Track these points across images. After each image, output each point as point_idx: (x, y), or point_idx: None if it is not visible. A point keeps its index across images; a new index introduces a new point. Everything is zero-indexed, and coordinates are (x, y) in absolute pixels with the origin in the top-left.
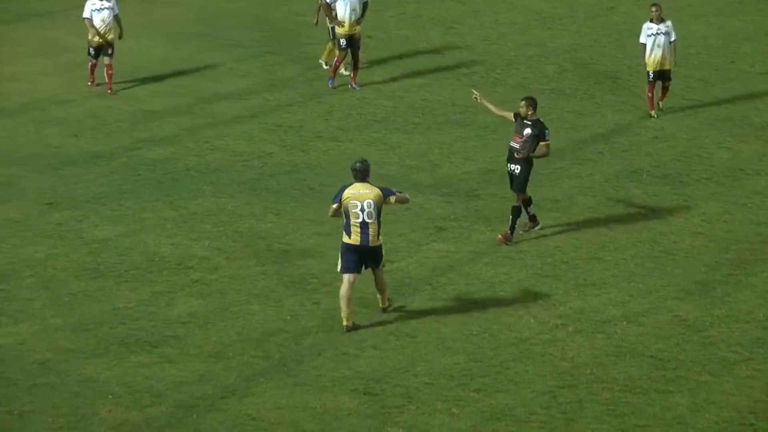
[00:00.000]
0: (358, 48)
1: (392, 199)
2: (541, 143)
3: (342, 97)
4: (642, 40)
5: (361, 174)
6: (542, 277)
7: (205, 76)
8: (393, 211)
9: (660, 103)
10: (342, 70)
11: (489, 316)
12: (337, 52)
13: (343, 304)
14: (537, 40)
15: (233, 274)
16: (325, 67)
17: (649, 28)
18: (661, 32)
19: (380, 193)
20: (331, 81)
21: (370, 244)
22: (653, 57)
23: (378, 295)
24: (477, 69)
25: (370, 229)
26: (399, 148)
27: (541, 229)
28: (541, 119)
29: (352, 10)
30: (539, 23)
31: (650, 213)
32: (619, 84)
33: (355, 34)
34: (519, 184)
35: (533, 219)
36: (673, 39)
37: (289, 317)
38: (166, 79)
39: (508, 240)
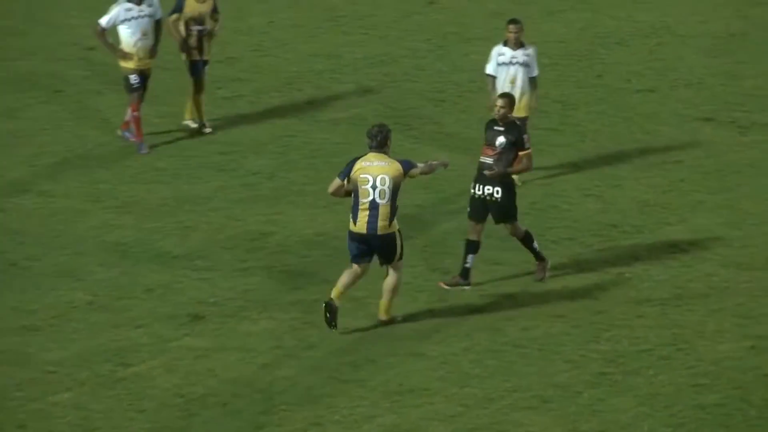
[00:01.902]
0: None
1: (416, 171)
2: (520, 153)
3: (55, 134)
4: (489, 69)
5: (378, 141)
6: (340, 382)
7: None
8: (130, 294)
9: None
10: (188, 120)
11: None
12: (129, 95)
13: (339, 282)
14: (329, 50)
15: None
16: (192, 125)
17: (500, 54)
18: (518, 62)
19: (400, 167)
20: (141, 147)
21: (379, 232)
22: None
23: (381, 300)
24: (243, 91)
25: (380, 212)
26: (136, 204)
27: (469, 288)
28: (517, 121)
29: (143, 34)
30: (332, 25)
31: (490, 288)
32: (442, 110)
33: (147, 69)
34: (506, 211)
35: (466, 274)
36: (534, 74)
37: None
38: None
39: (543, 272)
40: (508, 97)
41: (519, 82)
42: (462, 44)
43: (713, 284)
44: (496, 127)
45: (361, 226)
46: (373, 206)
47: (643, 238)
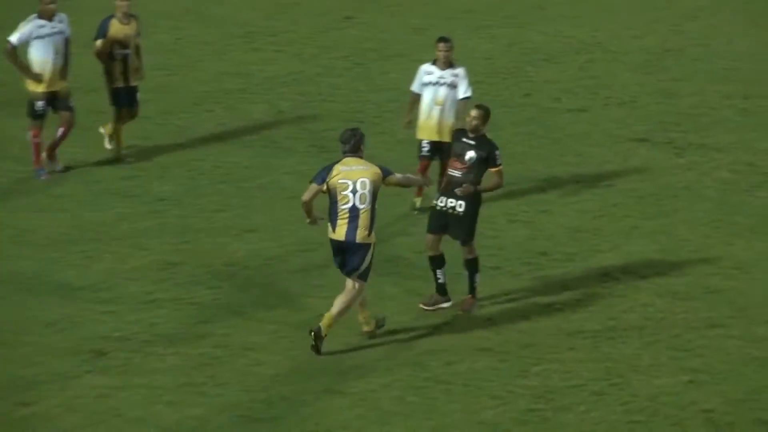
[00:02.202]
0: (71, 109)
1: (393, 179)
2: (491, 170)
3: None
4: (415, 87)
5: (352, 144)
6: (252, 421)
7: None
8: (29, 329)
9: (417, 200)
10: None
11: None
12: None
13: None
14: (239, 68)
15: None
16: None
17: (428, 73)
18: (445, 82)
19: (379, 171)
20: (41, 172)
21: (358, 240)
22: (428, 120)
23: (329, 312)
24: (149, 113)
25: (360, 219)
26: (35, 233)
27: (449, 305)
28: (488, 135)
29: (56, 52)
30: (243, 42)
31: (412, 321)
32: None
33: (61, 90)
34: (466, 228)
35: (443, 291)
36: (463, 95)
37: None
38: None
39: (470, 307)
40: (483, 109)
41: (447, 104)
42: (381, 62)
43: (648, 315)
44: (465, 140)
45: (339, 233)
46: (354, 212)
47: (574, 266)
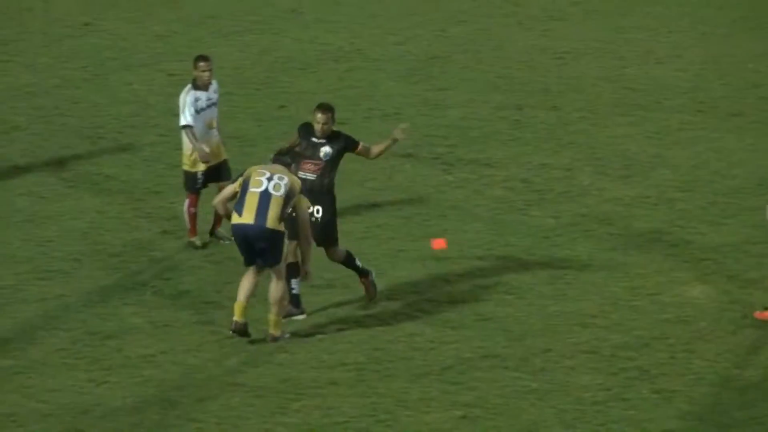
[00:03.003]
0: None
1: (302, 204)
2: (360, 148)
3: None
4: (187, 120)
5: (283, 157)
6: None
7: None
8: None
9: (217, 230)
10: None
11: None
12: None
13: (240, 292)
14: None
15: None
16: None
17: (197, 100)
18: (212, 103)
19: (299, 184)
20: None
21: (268, 225)
22: (207, 145)
23: (269, 314)
24: None
25: (271, 206)
26: None
27: (303, 317)
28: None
29: None
30: None
31: (160, 354)
32: (100, 148)
33: None
34: (329, 231)
35: (296, 302)
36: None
37: None
38: None
39: (373, 288)
40: (330, 110)
41: (216, 124)
42: (123, 72)
43: (417, 345)
44: (314, 139)
45: (246, 217)
46: (265, 196)
47: (335, 292)
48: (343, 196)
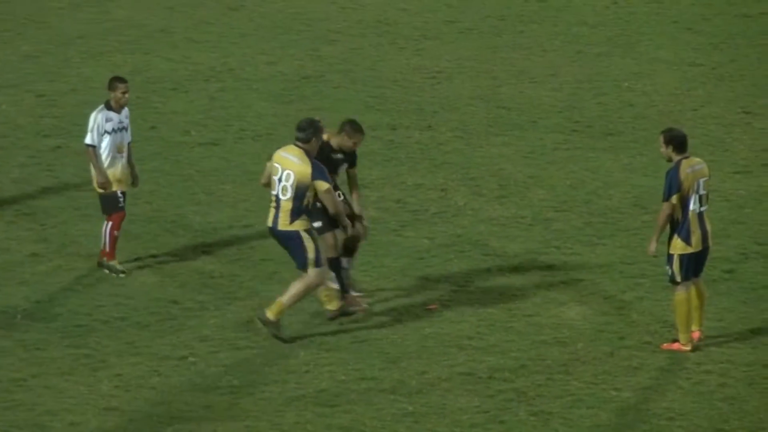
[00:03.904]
0: None
1: (323, 188)
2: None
3: None
4: (93, 140)
5: (306, 134)
6: None
7: None
8: None
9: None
10: None
11: None
12: None
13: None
14: None
15: None
16: None
17: (108, 120)
18: (123, 126)
19: (309, 171)
20: None
21: (279, 227)
22: (114, 170)
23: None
24: None
25: (281, 208)
26: None
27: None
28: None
29: None
30: None
31: (30, 378)
32: None
33: None
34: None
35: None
36: (130, 138)
37: None
38: None
39: (351, 304)
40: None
41: (125, 150)
42: None
43: (291, 368)
44: (336, 155)
45: (269, 218)
46: (277, 200)
47: (208, 315)
48: (219, 216)
